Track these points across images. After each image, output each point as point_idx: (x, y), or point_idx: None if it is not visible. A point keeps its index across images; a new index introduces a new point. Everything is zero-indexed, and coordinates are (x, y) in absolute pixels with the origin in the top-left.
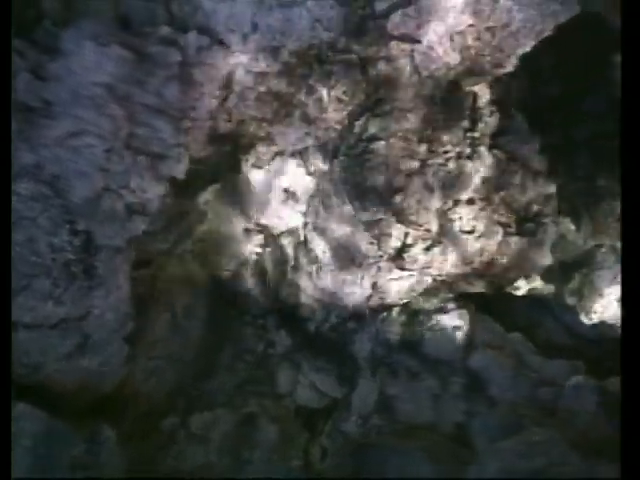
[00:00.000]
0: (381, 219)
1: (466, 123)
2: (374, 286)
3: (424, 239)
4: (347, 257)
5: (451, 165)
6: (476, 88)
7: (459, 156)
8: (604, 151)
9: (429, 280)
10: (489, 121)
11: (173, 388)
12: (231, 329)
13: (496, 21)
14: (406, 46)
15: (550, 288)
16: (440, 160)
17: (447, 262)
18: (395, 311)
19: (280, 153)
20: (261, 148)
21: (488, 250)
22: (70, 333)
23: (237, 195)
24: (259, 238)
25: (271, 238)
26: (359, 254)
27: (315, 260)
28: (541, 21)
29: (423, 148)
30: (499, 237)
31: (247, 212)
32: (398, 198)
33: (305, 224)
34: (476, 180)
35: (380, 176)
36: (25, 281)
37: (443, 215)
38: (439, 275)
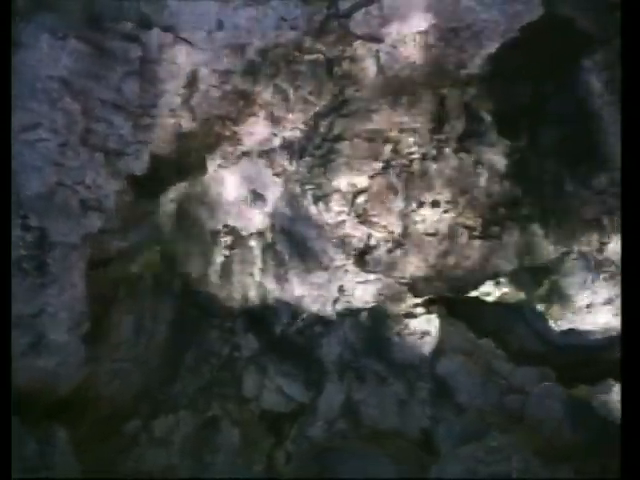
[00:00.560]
0: (344, 221)
1: (432, 125)
2: (341, 289)
3: (387, 241)
4: (313, 260)
5: (415, 166)
6: (444, 90)
7: (424, 157)
8: (571, 155)
9: (395, 283)
10: (456, 123)
11: (136, 391)
12: (197, 332)
13: (459, 21)
14: (371, 45)
15: (521, 294)
16: (404, 161)
17: (410, 265)
18: (363, 315)
19: (247, 153)
20: (227, 148)
21: (452, 253)
22: (23, 331)
23: (204, 196)
24: (227, 240)
25: (239, 240)
26: (325, 257)
27: (282, 263)
28: (504, 22)
29: (387, 149)
30: (463, 240)
31: (215, 213)
32: (361, 199)
33: (273, 226)
34: (441, 182)
35: (343, 177)
36: None
37: (407, 217)
38: (402, 278)
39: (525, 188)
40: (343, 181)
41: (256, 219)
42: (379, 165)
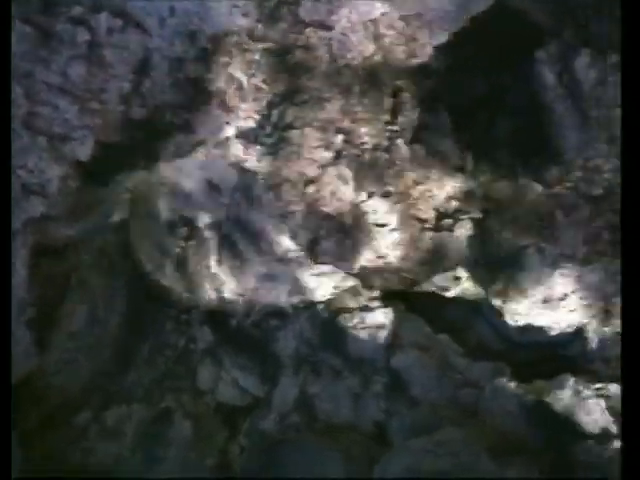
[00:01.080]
0: (295, 211)
1: (386, 116)
2: (295, 282)
3: (337, 232)
4: (268, 251)
5: (367, 156)
6: (399, 81)
7: (375, 148)
8: (524, 148)
9: (348, 275)
10: (410, 115)
11: (88, 381)
12: (152, 323)
13: (409, 10)
14: (323, 34)
15: (479, 290)
16: (356, 151)
17: (360, 256)
18: (319, 308)
19: (201, 142)
20: (180, 137)
21: (402, 244)
22: None
23: (159, 186)
24: (183, 231)
25: (195, 231)
26: (279, 248)
27: (237, 254)
28: (455, 11)
29: (339, 139)
30: (415, 232)
31: (170, 204)
32: (312, 189)
33: (228, 217)
34: (392, 173)
35: (294, 166)
36: None
37: (357, 207)
38: (351, 268)
39: (480, 181)
40: (293, 170)
41: (212, 210)
42: (330, 155)
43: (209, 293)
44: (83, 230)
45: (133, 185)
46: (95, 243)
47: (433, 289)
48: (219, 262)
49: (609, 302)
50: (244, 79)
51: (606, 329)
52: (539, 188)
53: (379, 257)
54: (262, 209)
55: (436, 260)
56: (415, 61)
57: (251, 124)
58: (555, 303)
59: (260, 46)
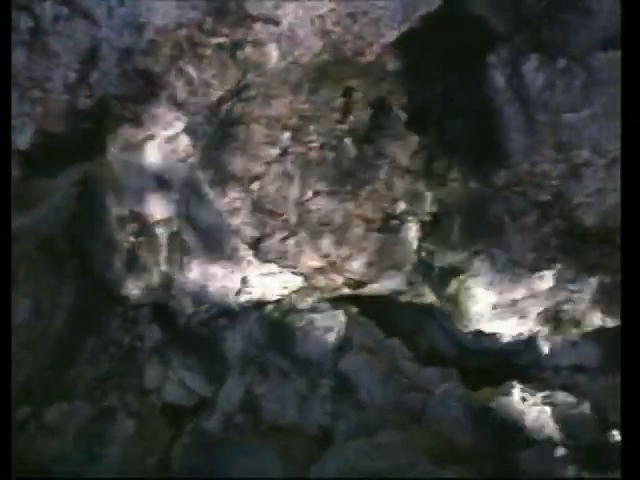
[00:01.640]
0: (239, 208)
1: (335, 115)
2: (244, 281)
3: (281, 229)
4: (216, 249)
5: (313, 154)
6: (350, 81)
7: (322, 147)
8: (475, 151)
9: (295, 275)
10: (360, 115)
11: (28, 377)
12: (99, 319)
13: (356, 7)
14: (272, 29)
15: (431, 294)
16: (302, 149)
17: (303, 254)
18: (268, 309)
19: (150, 137)
20: (129, 130)
21: (346, 245)
22: None
23: (109, 180)
24: (133, 226)
25: (145, 227)
26: (227, 246)
27: (187, 251)
28: (402, 10)
29: (286, 136)
30: (359, 232)
31: (120, 198)
32: (256, 185)
33: (178, 213)
34: (339, 172)
35: (239, 162)
36: None
37: (301, 205)
38: (294, 267)
39: (429, 184)
40: (238, 166)
41: (162, 206)
42: (276, 152)
43: (158, 290)
44: (30, 222)
45: (81, 178)
46: (42, 236)
47: (385, 292)
48: (168, 259)
49: (560, 310)
50: (194, 74)
51: (557, 337)
52: (488, 192)
53: (323, 256)
54: (209, 206)
55: (382, 262)
56: (364, 60)
57: (200, 119)
58: (505, 310)
59: (212, 41)
